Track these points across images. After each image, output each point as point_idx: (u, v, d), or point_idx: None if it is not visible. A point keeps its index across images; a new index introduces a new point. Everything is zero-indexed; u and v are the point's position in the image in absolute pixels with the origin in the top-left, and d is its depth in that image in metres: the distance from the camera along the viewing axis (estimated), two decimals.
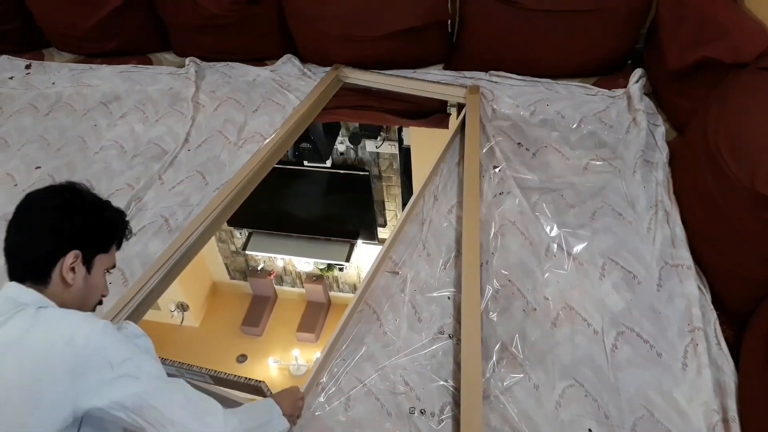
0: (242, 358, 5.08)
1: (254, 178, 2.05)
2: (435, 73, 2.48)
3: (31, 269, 1.05)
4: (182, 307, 5.21)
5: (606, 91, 2.26)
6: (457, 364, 1.46)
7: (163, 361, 1.28)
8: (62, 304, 1.05)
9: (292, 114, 2.30)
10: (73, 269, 1.06)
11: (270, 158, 2.13)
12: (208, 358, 4.74)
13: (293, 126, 2.24)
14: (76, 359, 0.93)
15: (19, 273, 1.05)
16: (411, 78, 2.45)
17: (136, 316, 1.62)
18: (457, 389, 1.41)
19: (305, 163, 4.12)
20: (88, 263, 1.09)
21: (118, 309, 1.58)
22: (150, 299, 1.67)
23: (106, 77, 2.60)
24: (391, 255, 1.78)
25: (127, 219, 1.21)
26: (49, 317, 1.00)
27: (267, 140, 2.19)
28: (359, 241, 4.80)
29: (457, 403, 1.38)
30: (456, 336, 1.53)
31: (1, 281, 1.05)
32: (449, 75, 2.45)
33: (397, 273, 1.72)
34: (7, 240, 1.07)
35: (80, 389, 0.93)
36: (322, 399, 1.43)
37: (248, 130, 2.30)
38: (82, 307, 1.09)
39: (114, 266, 1.17)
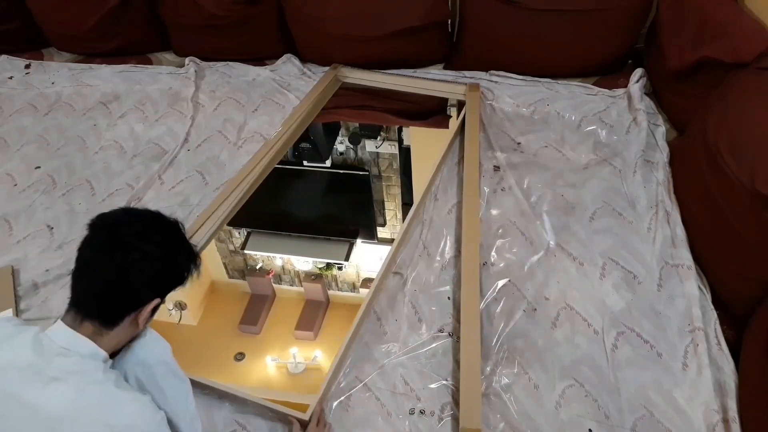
0: (240, 356, 5.08)
1: (257, 179, 2.04)
2: (435, 73, 2.48)
3: (109, 312, 0.98)
4: (180, 306, 5.20)
5: (606, 90, 2.26)
6: (457, 363, 1.46)
7: None
8: (115, 346, 1.02)
9: (291, 115, 2.30)
10: (151, 313, 1.02)
11: (272, 159, 2.12)
12: (206, 356, 4.73)
13: (293, 127, 2.23)
14: None
15: (92, 310, 0.97)
16: (410, 77, 2.46)
17: None
18: (457, 388, 1.41)
19: (305, 162, 4.12)
20: (160, 305, 1.06)
21: None
22: None
23: (105, 77, 2.60)
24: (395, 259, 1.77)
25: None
26: (110, 395, 0.94)
27: (268, 141, 2.18)
28: (359, 241, 4.80)
29: (457, 402, 1.38)
30: (456, 334, 1.53)
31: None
32: (449, 75, 2.46)
33: (399, 273, 1.72)
34: (99, 273, 0.97)
35: None
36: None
37: (248, 130, 2.30)
38: (126, 341, 1.06)
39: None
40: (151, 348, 1.10)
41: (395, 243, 1.76)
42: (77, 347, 0.96)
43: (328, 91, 2.44)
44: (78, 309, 0.97)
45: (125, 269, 0.96)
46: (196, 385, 1.43)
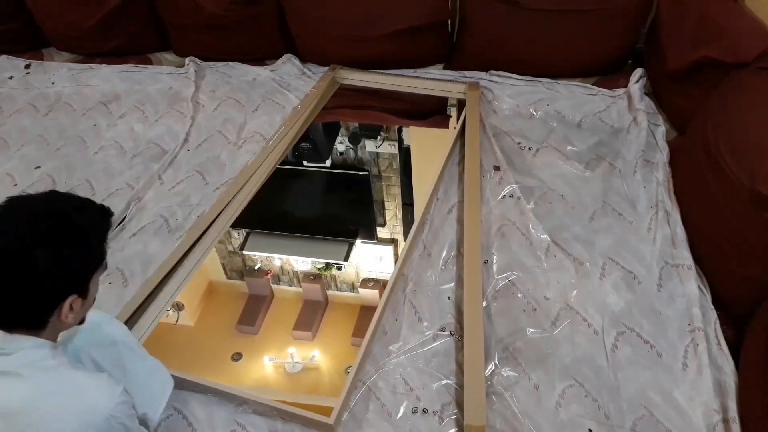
0: (237, 356, 5.08)
1: (259, 184, 2.04)
2: (435, 72, 2.48)
3: (26, 320, 0.96)
4: (177, 307, 5.19)
5: (606, 90, 2.26)
6: (458, 363, 1.46)
7: None
8: (55, 338, 1.01)
9: (291, 118, 2.29)
10: (71, 308, 0.98)
11: (272, 164, 2.11)
12: (203, 356, 4.72)
13: (291, 131, 2.22)
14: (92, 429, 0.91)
15: (7, 322, 0.95)
16: (409, 77, 2.45)
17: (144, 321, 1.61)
18: (459, 387, 1.41)
19: (305, 163, 4.12)
20: (84, 292, 1.01)
21: (127, 314, 1.57)
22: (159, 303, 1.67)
23: (105, 77, 2.60)
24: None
25: (111, 213, 1.09)
26: (66, 378, 0.94)
27: (266, 147, 2.17)
28: (358, 241, 4.80)
29: (458, 402, 1.38)
30: (457, 333, 1.53)
31: None
32: (449, 75, 2.46)
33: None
34: None
35: None
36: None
37: (248, 130, 2.30)
38: (74, 325, 1.06)
39: (106, 267, 1.08)
40: (105, 329, 1.12)
41: (399, 260, 1.73)
42: (19, 344, 0.94)
43: (326, 93, 2.44)
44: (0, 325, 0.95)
45: (12, 274, 0.92)
46: (211, 391, 1.42)
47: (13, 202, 0.97)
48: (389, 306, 1.63)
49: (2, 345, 0.94)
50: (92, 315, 1.15)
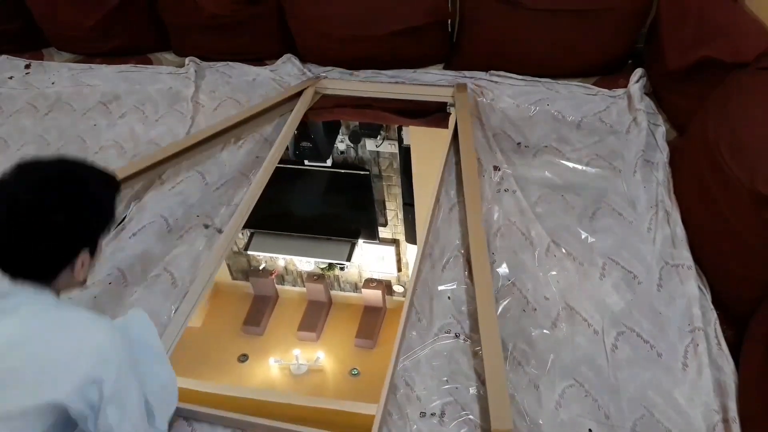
0: (243, 358, 5.09)
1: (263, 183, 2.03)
2: (435, 72, 2.47)
3: (39, 271, 1.02)
4: None
5: (606, 90, 2.26)
6: (459, 364, 1.46)
7: None
8: (61, 293, 1.07)
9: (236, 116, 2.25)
10: (82, 264, 1.05)
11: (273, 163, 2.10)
12: (210, 358, 4.73)
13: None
14: (90, 371, 0.95)
15: (20, 272, 1.00)
16: (396, 83, 2.42)
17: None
18: (461, 387, 1.41)
19: (305, 162, 4.12)
20: (94, 250, 1.09)
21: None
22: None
23: (105, 77, 2.60)
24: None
25: (116, 177, 1.20)
26: (69, 315, 1.00)
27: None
28: (360, 241, 4.80)
29: (461, 404, 1.38)
30: (463, 334, 1.53)
31: None
32: (449, 75, 2.45)
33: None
34: (6, 240, 0.98)
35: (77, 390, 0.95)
36: None
37: (248, 130, 2.30)
38: (80, 283, 1.11)
39: (110, 230, 1.16)
40: (136, 330, 1.17)
41: (414, 271, 1.70)
42: (23, 290, 1.00)
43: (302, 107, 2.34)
44: (5, 272, 1.00)
45: (25, 228, 0.98)
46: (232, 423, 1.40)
47: (25, 166, 1.04)
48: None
49: (7, 290, 1.00)
50: (130, 314, 1.21)
